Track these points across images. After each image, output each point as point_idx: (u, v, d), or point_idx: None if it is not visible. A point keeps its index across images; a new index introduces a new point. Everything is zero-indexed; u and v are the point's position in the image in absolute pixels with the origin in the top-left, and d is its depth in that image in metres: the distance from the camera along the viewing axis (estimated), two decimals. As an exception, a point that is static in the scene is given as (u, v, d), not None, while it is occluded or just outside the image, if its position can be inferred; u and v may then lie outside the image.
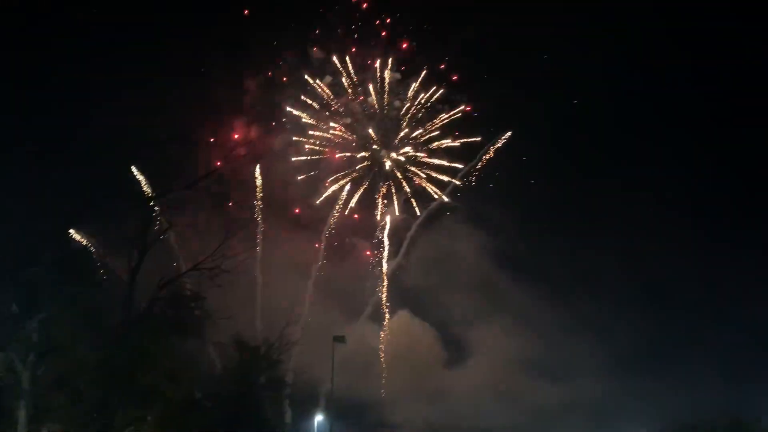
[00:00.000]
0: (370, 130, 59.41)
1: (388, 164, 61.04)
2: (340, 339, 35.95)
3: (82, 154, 26.58)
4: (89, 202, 26.31)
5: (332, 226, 61.48)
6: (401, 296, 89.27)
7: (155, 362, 28.01)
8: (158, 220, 29.36)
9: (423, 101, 60.30)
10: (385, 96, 59.52)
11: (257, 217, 55.62)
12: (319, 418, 53.86)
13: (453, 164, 62.13)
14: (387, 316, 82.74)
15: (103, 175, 26.88)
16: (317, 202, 59.39)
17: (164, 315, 28.86)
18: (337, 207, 62.30)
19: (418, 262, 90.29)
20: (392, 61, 58.27)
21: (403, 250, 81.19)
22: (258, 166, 51.49)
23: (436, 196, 62.29)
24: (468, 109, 60.14)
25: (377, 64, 58.04)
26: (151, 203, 28.52)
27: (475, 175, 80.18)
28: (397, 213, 67.24)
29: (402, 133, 60.45)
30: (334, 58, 56.27)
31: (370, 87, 58.35)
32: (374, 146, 59.67)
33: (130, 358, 26.99)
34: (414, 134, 60.87)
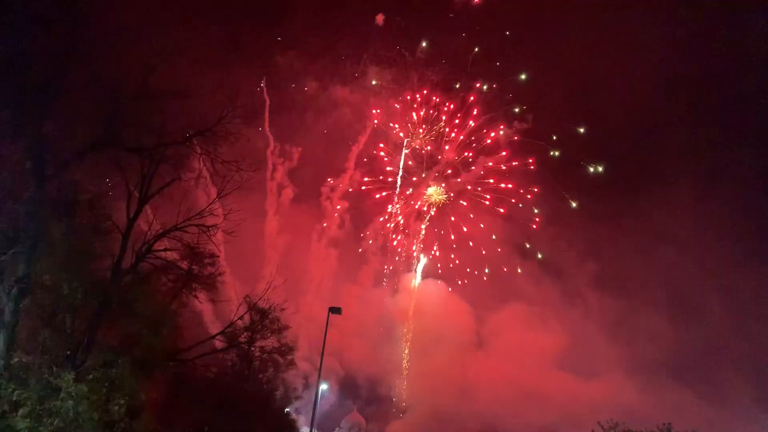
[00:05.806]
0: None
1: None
2: (335, 310, 35.83)
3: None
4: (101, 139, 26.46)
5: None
6: (429, 273, 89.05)
7: (140, 309, 28.70)
8: (158, 172, 29.57)
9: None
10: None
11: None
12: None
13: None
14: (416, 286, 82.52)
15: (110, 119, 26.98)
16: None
17: (154, 267, 29.48)
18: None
19: (445, 243, 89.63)
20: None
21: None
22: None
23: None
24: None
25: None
26: (154, 154, 28.78)
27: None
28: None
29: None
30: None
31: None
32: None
33: (117, 302, 27.82)
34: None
